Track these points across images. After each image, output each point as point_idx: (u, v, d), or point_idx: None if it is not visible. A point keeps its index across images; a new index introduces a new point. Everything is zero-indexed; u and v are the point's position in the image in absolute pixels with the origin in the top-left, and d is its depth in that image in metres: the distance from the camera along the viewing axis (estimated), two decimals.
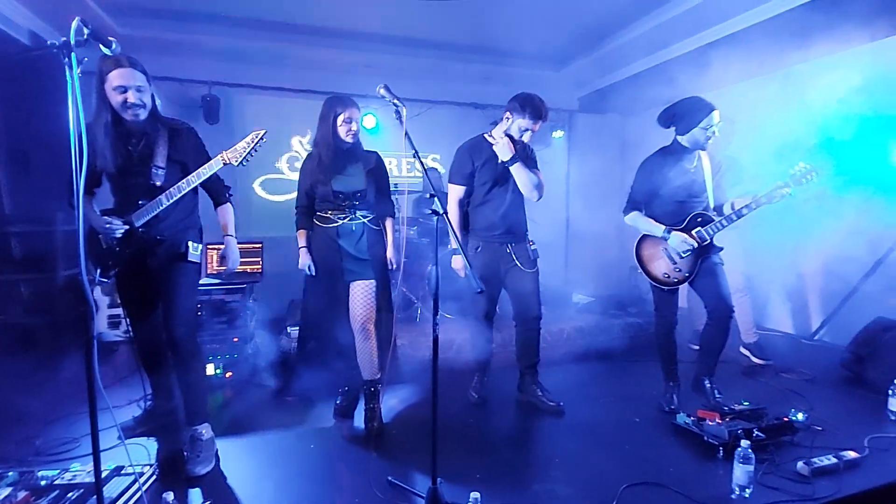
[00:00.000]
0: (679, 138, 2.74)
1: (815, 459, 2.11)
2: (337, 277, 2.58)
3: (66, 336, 3.75)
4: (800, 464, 2.10)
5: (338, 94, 2.54)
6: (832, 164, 2.66)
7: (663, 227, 2.73)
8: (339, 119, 2.49)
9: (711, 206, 2.80)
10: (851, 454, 2.17)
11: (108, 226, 2.11)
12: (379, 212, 2.69)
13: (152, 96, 2.15)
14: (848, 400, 2.95)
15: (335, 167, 2.54)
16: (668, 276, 2.76)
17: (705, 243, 2.71)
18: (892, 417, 2.60)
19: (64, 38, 1.37)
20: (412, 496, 1.94)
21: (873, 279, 3.80)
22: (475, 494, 1.65)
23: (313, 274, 2.64)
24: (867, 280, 3.83)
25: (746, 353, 3.69)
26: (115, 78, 2.01)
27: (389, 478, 2.05)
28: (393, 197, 2.87)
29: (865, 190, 3.71)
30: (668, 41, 4.64)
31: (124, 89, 2.02)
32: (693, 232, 2.72)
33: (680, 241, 2.69)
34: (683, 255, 2.71)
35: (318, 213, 2.63)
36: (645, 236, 2.86)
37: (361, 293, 2.55)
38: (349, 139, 2.51)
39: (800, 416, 2.51)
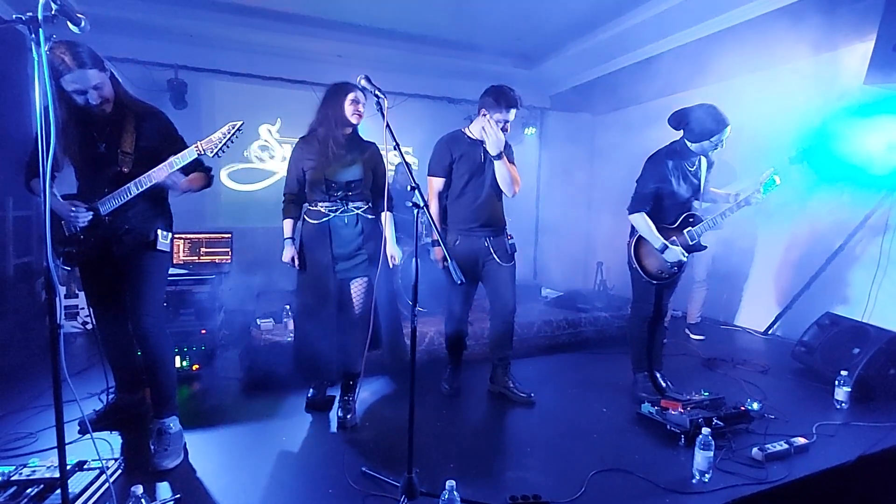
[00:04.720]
0: (687, 141, 2.76)
1: (768, 445, 2.24)
2: (329, 277, 2.49)
3: (16, 328, 3.57)
4: (754, 450, 2.22)
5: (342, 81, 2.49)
6: (795, 171, 2.82)
7: (661, 240, 2.75)
8: (348, 98, 2.43)
9: (700, 203, 2.91)
10: (801, 440, 2.32)
11: (73, 212, 2.01)
12: (375, 207, 2.60)
13: (115, 81, 2.04)
14: (798, 390, 3.14)
15: (330, 153, 2.44)
16: (662, 273, 2.85)
17: (693, 242, 2.82)
18: (838, 406, 2.78)
19: (30, 13, 1.30)
20: (387, 486, 1.95)
21: (823, 278, 4.03)
22: (451, 483, 1.67)
23: (297, 268, 2.58)
24: (817, 278, 4.05)
25: (688, 331, 4.38)
26: (71, 82, 1.88)
27: (363, 468, 2.06)
28: None
29: (818, 194, 3.95)
30: (639, 43, 4.75)
31: (83, 92, 1.92)
32: (685, 232, 2.82)
33: (675, 256, 2.74)
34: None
35: (309, 207, 2.55)
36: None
37: (358, 290, 2.52)
38: (354, 119, 2.45)
39: (755, 405, 2.65)
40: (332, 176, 2.44)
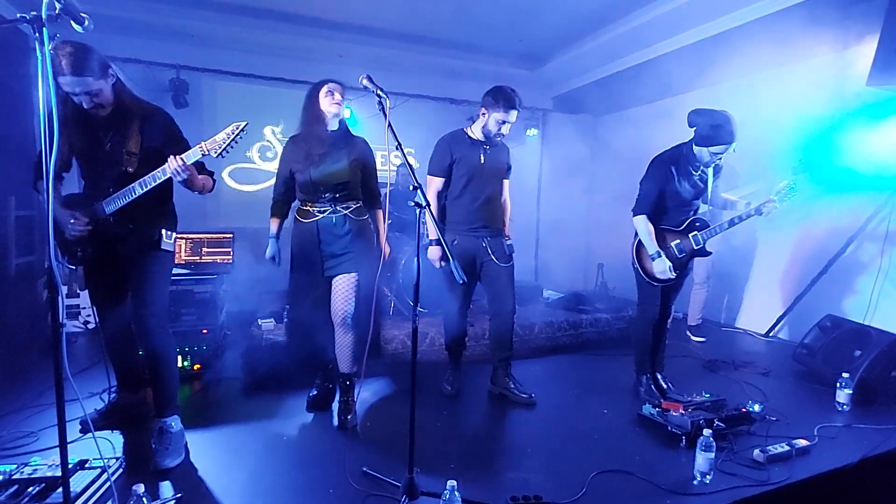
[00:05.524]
0: (693, 144, 2.73)
1: (769, 447, 2.23)
2: (317, 274, 2.50)
3: (17, 327, 3.58)
4: (756, 451, 2.22)
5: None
6: (799, 175, 2.82)
7: (656, 247, 2.75)
8: (322, 91, 2.42)
9: (707, 206, 2.90)
10: (803, 442, 2.31)
11: (71, 223, 2.03)
12: (366, 204, 2.60)
13: (116, 83, 2.03)
14: (800, 392, 3.13)
15: (316, 153, 2.42)
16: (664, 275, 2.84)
17: (698, 247, 2.81)
18: (840, 408, 2.77)
19: (34, 13, 1.30)
20: (388, 486, 1.95)
21: (824, 280, 4.02)
22: (451, 483, 1.67)
23: (279, 265, 2.61)
24: (819, 281, 4.05)
25: (689, 333, 4.37)
26: (64, 84, 1.88)
27: (364, 468, 2.06)
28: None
29: (818, 196, 3.94)
30: (643, 43, 4.75)
31: (75, 94, 1.92)
32: (690, 236, 2.81)
33: (662, 267, 2.74)
34: (679, 256, 2.81)
35: (299, 206, 2.56)
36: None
37: (342, 287, 2.50)
38: (333, 109, 2.42)
39: (756, 407, 2.64)
40: (320, 177, 2.42)
